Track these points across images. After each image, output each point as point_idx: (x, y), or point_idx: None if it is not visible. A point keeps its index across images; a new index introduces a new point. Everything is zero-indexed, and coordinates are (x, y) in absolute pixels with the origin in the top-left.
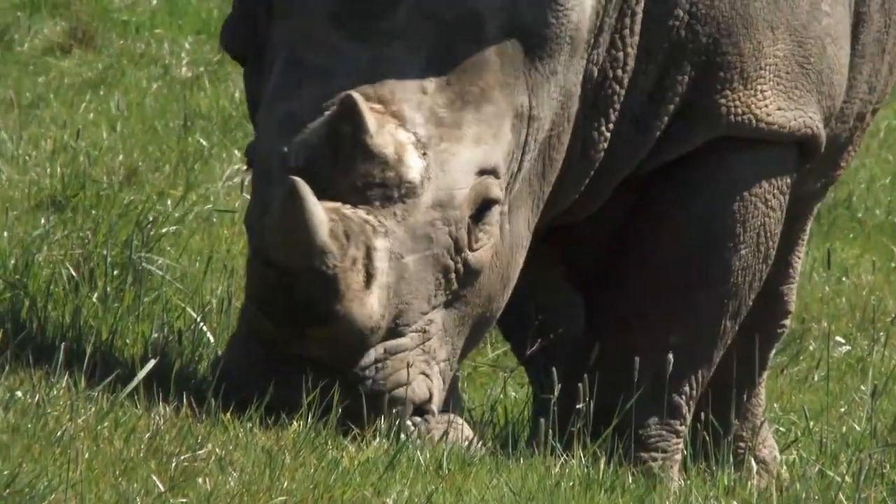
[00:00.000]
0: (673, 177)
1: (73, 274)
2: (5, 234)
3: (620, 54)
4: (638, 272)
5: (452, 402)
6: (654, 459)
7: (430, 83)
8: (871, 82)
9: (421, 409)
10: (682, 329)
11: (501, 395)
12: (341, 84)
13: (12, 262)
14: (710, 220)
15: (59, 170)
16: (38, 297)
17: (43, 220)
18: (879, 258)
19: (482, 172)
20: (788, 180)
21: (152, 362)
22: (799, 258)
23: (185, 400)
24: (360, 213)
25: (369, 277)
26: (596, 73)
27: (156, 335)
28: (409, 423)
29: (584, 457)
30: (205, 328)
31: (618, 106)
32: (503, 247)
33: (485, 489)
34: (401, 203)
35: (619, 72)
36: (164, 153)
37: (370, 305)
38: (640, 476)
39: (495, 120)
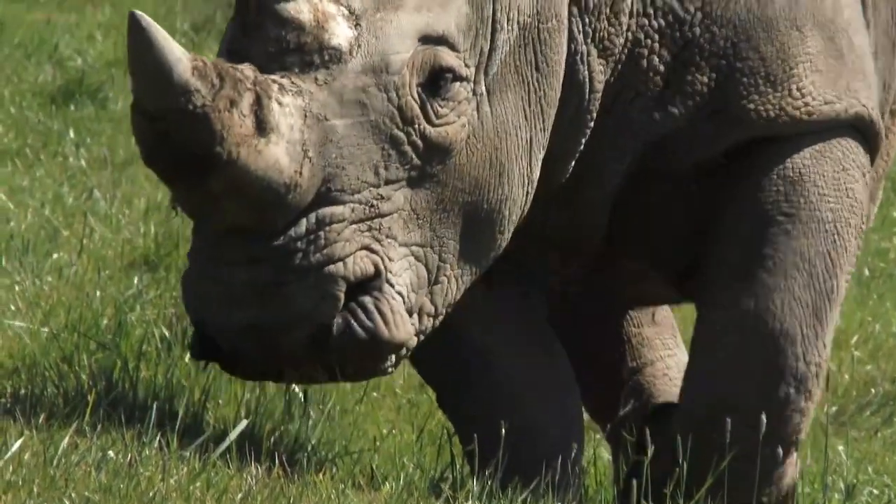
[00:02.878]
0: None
1: (166, 334)
2: (98, 293)
3: None
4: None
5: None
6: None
7: None
8: (884, 78)
9: (367, 287)
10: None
11: (593, 456)
12: None
13: (105, 322)
14: (781, 170)
15: (152, 229)
16: (131, 357)
17: (136, 280)
18: None
19: (426, 39)
20: (856, 153)
21: (244, 423)
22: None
23: (276, 460)
24: (271, 76)
25: (265, 126)
26: (591, 4)
27: (248, 395)
28: (354, 304)
29: None
30: (296, 388)
31: (618, 44)
32: (484, 130)
33: None
34: (323, 69)
35: (608, 10)
36: None
37: (272, 156)
38: None
39: None
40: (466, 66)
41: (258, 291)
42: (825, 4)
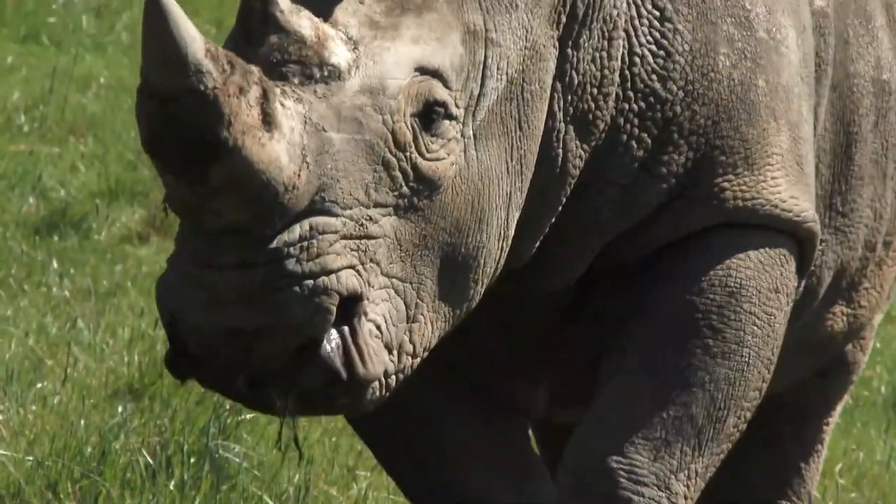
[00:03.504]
0: (675, 248)
1: (150, 462)
2: (82, 422)
3: (598, 73)
4: (646, 331)
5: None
6: None
7: None
8: (874, 207)
9: (345, 313)
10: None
11: None
12: None
13: (89, 450)
14: (721, 278)
15: (136, 358)
16: (115, 485)
17: (120, 409)
18: None
19: (423, 71)
20: (792, 284)
21: None
22: (819, 457)
23: None
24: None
25: (269, 121)
26: (576, 82)
27: None
28: (333, 331)
29: None
30: None
31: (600, 127)
32: (469, 172)
33: None
34: (322, 84)
35: (595, 91)
36: None
37: (274, 151)
38: None
39: (439, 27)
40: (457, 105)
41: (247, 296)
42: (792, 108)
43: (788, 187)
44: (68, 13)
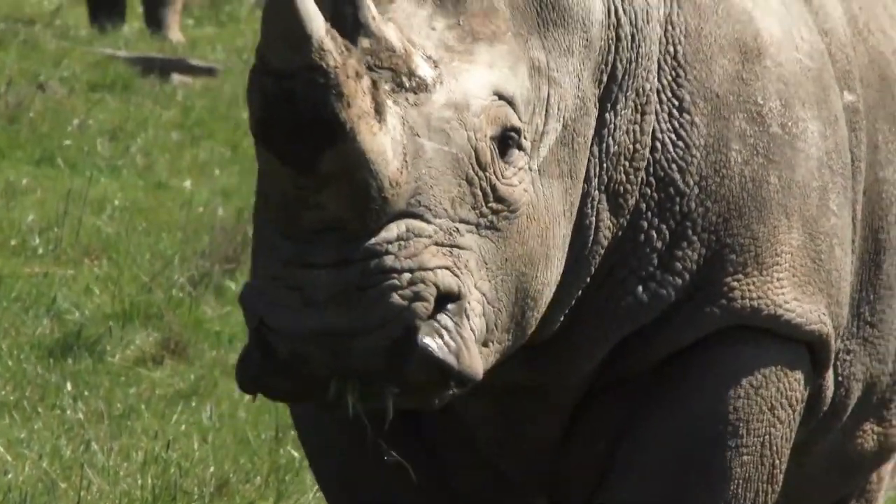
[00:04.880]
0: (671, 368)
1: None
2: None
3: (631, 146)
4: (636, 465)
5: None
6: None
7: (439, 22)
8: None
9: (448, 309)
10: None
11: None
12: None
13: None
14: (710, 412)
15: (150, 481)
16: None
17: None
18: None
19: (500, 96)
20: (798, 391)
21: None
22: None
23: None
24: None
25: (380, 111)
26: (612, 150)
27: None
28: (436, 323)
29: None
30: None
31: (629, 203)
32: (539, 205)
33: None
34: (412, 93)
35: (627, 164)
36: (256, 465)
37: (382, 143)
38: None
39: (509, 57)
40: (525, 137)
41: (343, 294)
42: (810, 201)
43: (793, 289)
44: (83, 136)
